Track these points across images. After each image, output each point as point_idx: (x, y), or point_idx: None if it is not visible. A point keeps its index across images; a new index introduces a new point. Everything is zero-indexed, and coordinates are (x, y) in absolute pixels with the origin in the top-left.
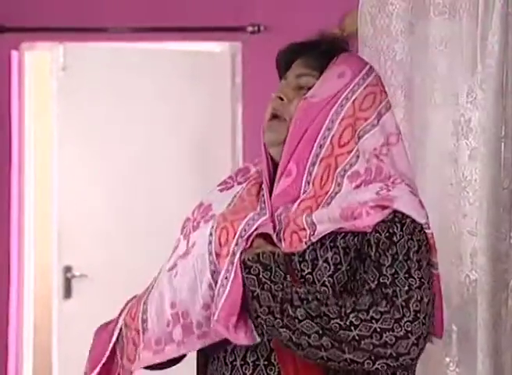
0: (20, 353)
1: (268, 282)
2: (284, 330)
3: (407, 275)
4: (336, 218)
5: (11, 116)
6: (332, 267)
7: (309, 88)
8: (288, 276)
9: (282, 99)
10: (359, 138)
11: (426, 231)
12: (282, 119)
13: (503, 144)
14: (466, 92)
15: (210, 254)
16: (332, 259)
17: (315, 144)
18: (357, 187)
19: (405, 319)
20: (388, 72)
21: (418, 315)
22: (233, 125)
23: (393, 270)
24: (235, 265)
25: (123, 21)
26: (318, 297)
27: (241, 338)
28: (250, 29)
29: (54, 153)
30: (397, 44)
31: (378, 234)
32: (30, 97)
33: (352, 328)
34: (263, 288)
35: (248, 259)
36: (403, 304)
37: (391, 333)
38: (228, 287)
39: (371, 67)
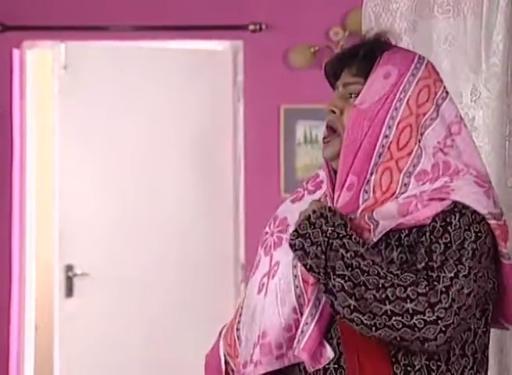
0: (22, 352)
1: (313, 249)
2: (327, 295)
3: (457, 262)
4: (393, 214)
5: (12, 115)
6: (398, 266)
7: (357, 95)
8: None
9: (334, 112)
10: (421, 135)
11: (490, 222)
12: (337, 133)
13: (507, 142)
14: (470, 91)
15: (295, 277)
16: (397, 259)
17: (374, 154)
18: (424, 184)
19: (439, 305)
20: None
21: (453, 304)
22: (235, 123)
23: (444, 257)
24: (321, 305)
25: (125, 19)
26: (363, 264)
27: (321, 362)
28: (251, 27)
29: (55, 151)
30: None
31: (434, 223)
32: (32, 95)
33: (386, 302)
34: (311, 257)
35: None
36: (443, 289)
37: (421, 316)
38: (313, 324)
39: (419, 58)
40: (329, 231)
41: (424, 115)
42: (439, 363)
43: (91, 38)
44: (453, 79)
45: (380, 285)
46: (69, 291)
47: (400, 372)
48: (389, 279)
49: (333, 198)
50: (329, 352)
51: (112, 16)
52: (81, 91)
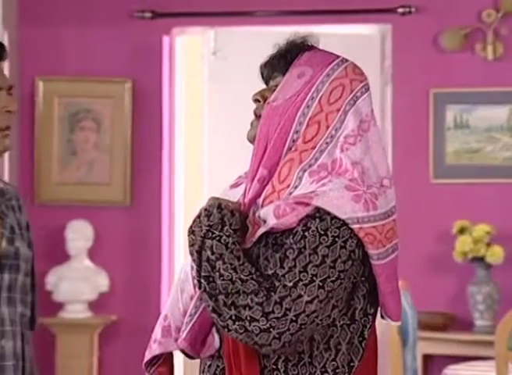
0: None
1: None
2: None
3: (302, 269)
4: (271, 216)
5: (162, 100)
6: (271, 265)
7: None
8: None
9: (258, 101)
10: (336, 130)
11: (352, 226)
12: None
13: None
14: None
15: (192, 268)
16: (272, 257)
17: (285, 149)
18: (313, 182)
19: (272, 315)
20: None
21: (288, 312)
22: (382, 109)
23: (293, 263)
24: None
25: (272, 5)
26: (222, 268)
27: (208, 351)
28: (400, 10)
29: (204, 137)
30: None
31: (298, 227)
32: (181, 81)
33: (232, 308)
34: (192, 253)
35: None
36: (278, 300)
37: (257, 323)
38: (196, 316)
39: (340, 61)
40: (204, 230)
41: (338, 111)
42: (302, 355)
43: (240, 24)
44: None
45: (229, 291)
46: None
47: (267, 362)
48: (236, 285)
49: (245, 190)
50: (216, 342)
51: (259, 1)
52: (230, 77)
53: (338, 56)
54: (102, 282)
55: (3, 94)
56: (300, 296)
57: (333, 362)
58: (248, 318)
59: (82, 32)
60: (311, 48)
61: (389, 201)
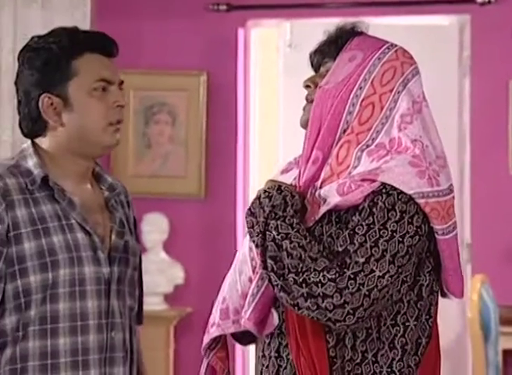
0: None
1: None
2: (265, 272)
3: (373, 244)
4: (334, 193)
5: (236, 93)
6: (340, 242)
7: None
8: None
9: (309, 86)
10: (390, 110)
11: (418, 201)
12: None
13: None
14: None
15: (251, 249)
16: (337, 234)
17: (339, 130)
18: (373, 160)
19: (346, 291)
20: None
21: (362, 288)
22: (460, 99)
23: (363, 239)
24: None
25: None
26: (289, 247)
27: (268, 329)
28: (479, 0)
29: (279, 129)
30: None
31: (364, 203)
32: (256, 73)
33: (303, 285)
34: (255, 235)
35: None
36: (351, 276)
37: (330, 300)
38: (258, 296)
39: (389, 46)
40: (267, 211)
41: (391, 91)
42: (369, 331)
43: (316, 16)
44: None
45: (299, 269)
46: None
47: (333, 340)
48: (307, 263)
49: (300, 173)
50: (275, 320)
51: None
52: (305, 69)
53: (387, 41)
54: (178, 274)
55: (115, 89)
56: (372, 271)
57: (402, 339)
58: (321, 294)
59: (158, 26)
60: (360, 33)
61: (448, 178)
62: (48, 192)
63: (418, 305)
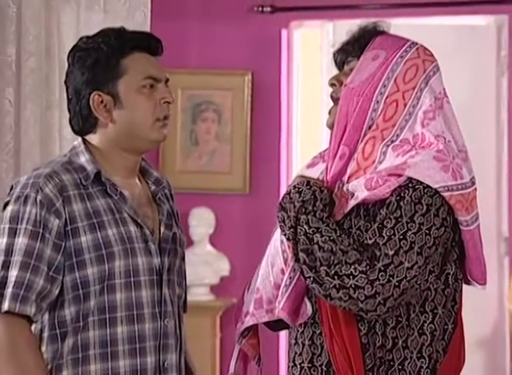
0: None
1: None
2: (297, 264)
3: (401, 237)
4: (361, 188)
5: (280, 92)
6: (369, 235)
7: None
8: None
9: (334, 85)
10: (413, 107)
11: (443, 194)
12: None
13: None
14: None
15: (282, 242)
16: (363, 227)
17: (364, 126)
18: (398, 155)
19: (377, 282)
20: None
21: (392, 279)
22: (498, 99)
23: (392, 232)
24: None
25: None
26: (320, 241)
27: (302, 318)
28: None
29: (322, 127)
30: None
31: (391, 197)
32: (299, 74)
33: (335, 277)
34: (287, 229)
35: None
36: (382, 268)
37: (362, 291)
38: (291, 286)
39: (411, 44)
40: (298, 206)
41: (414, 89)
42: (399, 319)
43: (356, 17)
44: None
45: (331, 262)
46: None
47: (364, 328)
48: (338, 256)
49: (327, 168)
50: (309, 309)
51: None
52: None
53: (408, 40)
54: (223, 267)
55: (162, 86)
56: (401, 263)
57: (430, 325)
58: (353, 286)
59: (205, 27)
60: (383, 33)
61: (470, 171)
62: (101, 187)
63: (445, 293)
